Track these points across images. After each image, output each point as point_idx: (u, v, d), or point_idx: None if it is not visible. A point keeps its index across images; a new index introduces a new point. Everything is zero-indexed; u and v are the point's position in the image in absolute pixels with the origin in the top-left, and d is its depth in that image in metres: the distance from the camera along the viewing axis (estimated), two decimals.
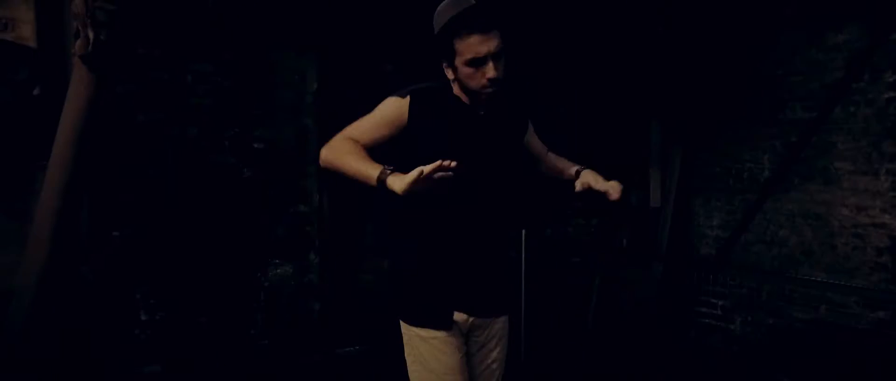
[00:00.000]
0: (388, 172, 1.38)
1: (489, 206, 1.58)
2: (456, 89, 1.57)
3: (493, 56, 1.46)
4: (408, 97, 1.51)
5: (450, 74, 1.55)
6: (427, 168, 1.28)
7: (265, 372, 3.20)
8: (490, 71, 1.46)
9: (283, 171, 3.25)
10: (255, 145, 3.19)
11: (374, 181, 1.38)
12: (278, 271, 3.26)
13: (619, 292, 4.09)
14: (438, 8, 1.51)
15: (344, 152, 1.46)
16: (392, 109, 1.52)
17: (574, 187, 1.61)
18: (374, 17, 3.34)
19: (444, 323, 1.53)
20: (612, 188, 1.55)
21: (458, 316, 1.57)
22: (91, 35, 1.94)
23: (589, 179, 1.59)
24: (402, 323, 1.59)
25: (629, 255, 4.18)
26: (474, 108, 1.57)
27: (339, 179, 1.52)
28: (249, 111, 3.17)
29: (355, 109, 1.62)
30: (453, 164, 1.27)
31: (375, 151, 1.50)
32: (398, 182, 1.34)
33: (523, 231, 3.60)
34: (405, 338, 1.59)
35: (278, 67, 3.22)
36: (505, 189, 1.63)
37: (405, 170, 1.52)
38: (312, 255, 3.35)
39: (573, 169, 1.69)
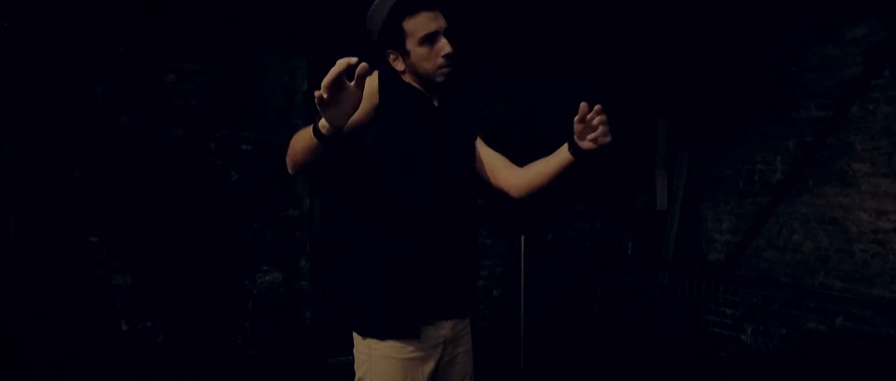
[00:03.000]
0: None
1: (453, 202, 1.48)
2: (407, 79, 1.48)
3: (444, 33, 1.41)
4: (375, 72, 1.40)
5: (399, 65, 1.45)
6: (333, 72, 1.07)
7: None
8: (446, 47, 1.39)
9: (272, 173, 3.17)
10: (243, 147, 3.13)
11: (312, 135, 1.19)
12: (267, 277, 3.19)
13: (624, 299, 3.96)
14: (373, 5, 1.44)
15: (294, 143, 1.30)
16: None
17: (580, 152, 1.39)
18: (365, 15, 3.25)
19: (414, 333, 1.43)
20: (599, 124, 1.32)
21: (431, 331, 1.46)
22: None
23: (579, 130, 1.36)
24: (360, 340, 1.45)
25: (634, 261, 4.05)
26: (429, 96, 1.49)
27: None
28: (237, 112, 3.11)
29: None
30: (364, 65, 1.10)
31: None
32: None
33: (522, 237, 3.47)
34: (363, 357, 1.45)
35: (267, 66, 3.16)
36: (467, 186, 1.53)
37: (369, 178, 1.41)
38: (303, 261, 3.27)
39: (562, 149, 1.47)
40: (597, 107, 1.33)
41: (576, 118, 1.35)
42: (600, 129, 1.34)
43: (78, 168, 2.79)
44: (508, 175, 1.57)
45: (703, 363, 3.79)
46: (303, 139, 1.25)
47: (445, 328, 1.49)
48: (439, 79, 1.43)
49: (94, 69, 2.81)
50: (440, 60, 1.40)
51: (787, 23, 3.46)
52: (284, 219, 3.23)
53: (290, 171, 1.36)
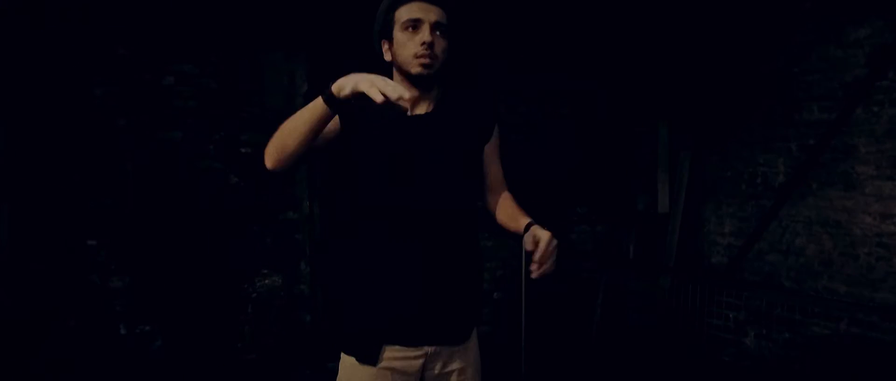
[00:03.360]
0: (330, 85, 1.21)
1: (434, 218, 1.38)
2: (396, 78, 1.43)
3: (434, 26, 1.36)
4: None
5: (388, 56, 1.44)
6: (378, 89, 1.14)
7: None
8: (426, 36, 1.34)
9: (272, 176, 3.13)
10: (243, 150, 3.11)
11: (322, 104, 1.22)
12: (267, 281, 3.16)
13: (625, 303, 3.93)
14: None
15: (282, 128, 1.30)
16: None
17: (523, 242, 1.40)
18: (366, 16, 3.23)
19: (372, 357, 1.38)
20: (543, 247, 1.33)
21: (403, 352, 1.40)
22: None
23: (539, 234, 1.35)
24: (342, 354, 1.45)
25: (636, 264, 4.02)
26: (416, 103, 1.43)
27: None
28: (236, 114, 3.09)
29: None
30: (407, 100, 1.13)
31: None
32: (341, 80, 1.19)
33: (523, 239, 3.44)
34: (342, 354, 1.44)
35: (267, 68, 3.13)
36: (456, 198, 1.42)
37: (339, 185, 1.42)
38: (303, 264, 3.24)
39: (524, 221, 1.43)
40: (553, 246, 1.31)
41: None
42: (547, 265, 1.32)
43: (76, 171, 2.77)
44: (490, 201, 1.54)
45: (705, 366, 3.77)
46: (302, 117, 1.24)
47: (424, 347, 1.41)
48: (415, 70, 1.36)
49: (93, 71, 2.79)
50: (418, 48, 1.34)
51: (790, 24, 3.43)
52: (284, 222, 3.20)
53: (271, 164, 1.30)
